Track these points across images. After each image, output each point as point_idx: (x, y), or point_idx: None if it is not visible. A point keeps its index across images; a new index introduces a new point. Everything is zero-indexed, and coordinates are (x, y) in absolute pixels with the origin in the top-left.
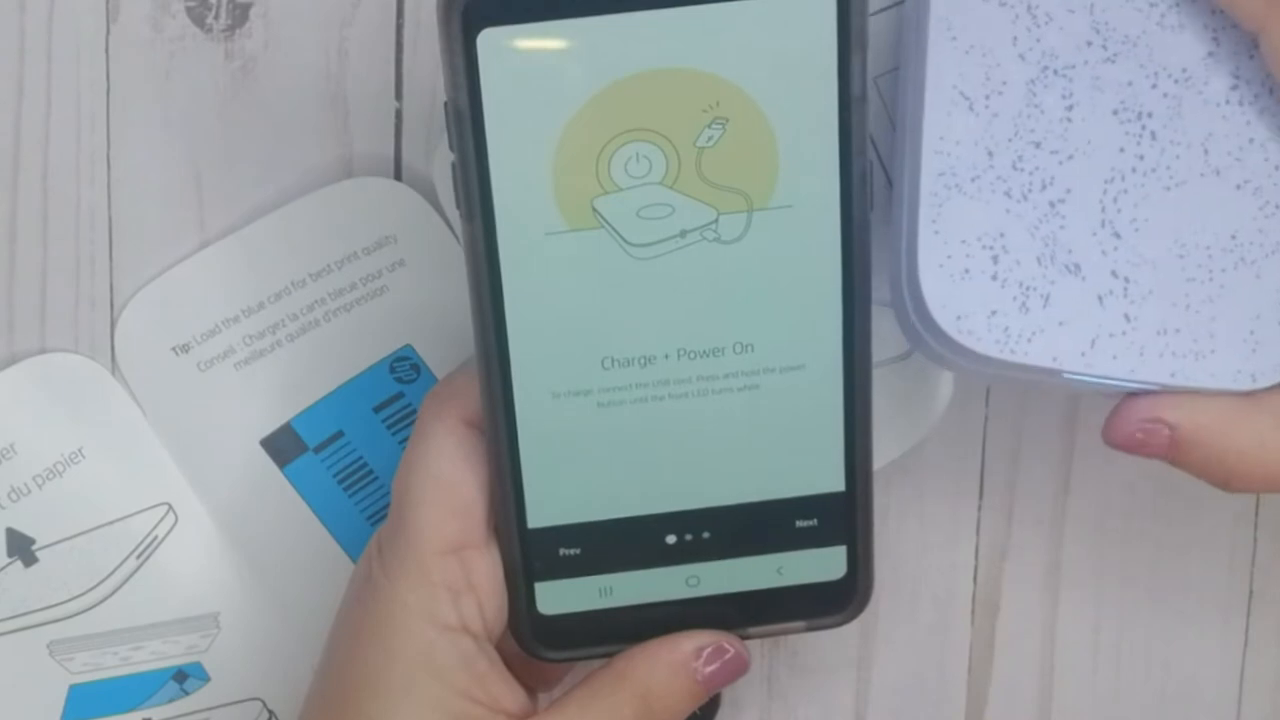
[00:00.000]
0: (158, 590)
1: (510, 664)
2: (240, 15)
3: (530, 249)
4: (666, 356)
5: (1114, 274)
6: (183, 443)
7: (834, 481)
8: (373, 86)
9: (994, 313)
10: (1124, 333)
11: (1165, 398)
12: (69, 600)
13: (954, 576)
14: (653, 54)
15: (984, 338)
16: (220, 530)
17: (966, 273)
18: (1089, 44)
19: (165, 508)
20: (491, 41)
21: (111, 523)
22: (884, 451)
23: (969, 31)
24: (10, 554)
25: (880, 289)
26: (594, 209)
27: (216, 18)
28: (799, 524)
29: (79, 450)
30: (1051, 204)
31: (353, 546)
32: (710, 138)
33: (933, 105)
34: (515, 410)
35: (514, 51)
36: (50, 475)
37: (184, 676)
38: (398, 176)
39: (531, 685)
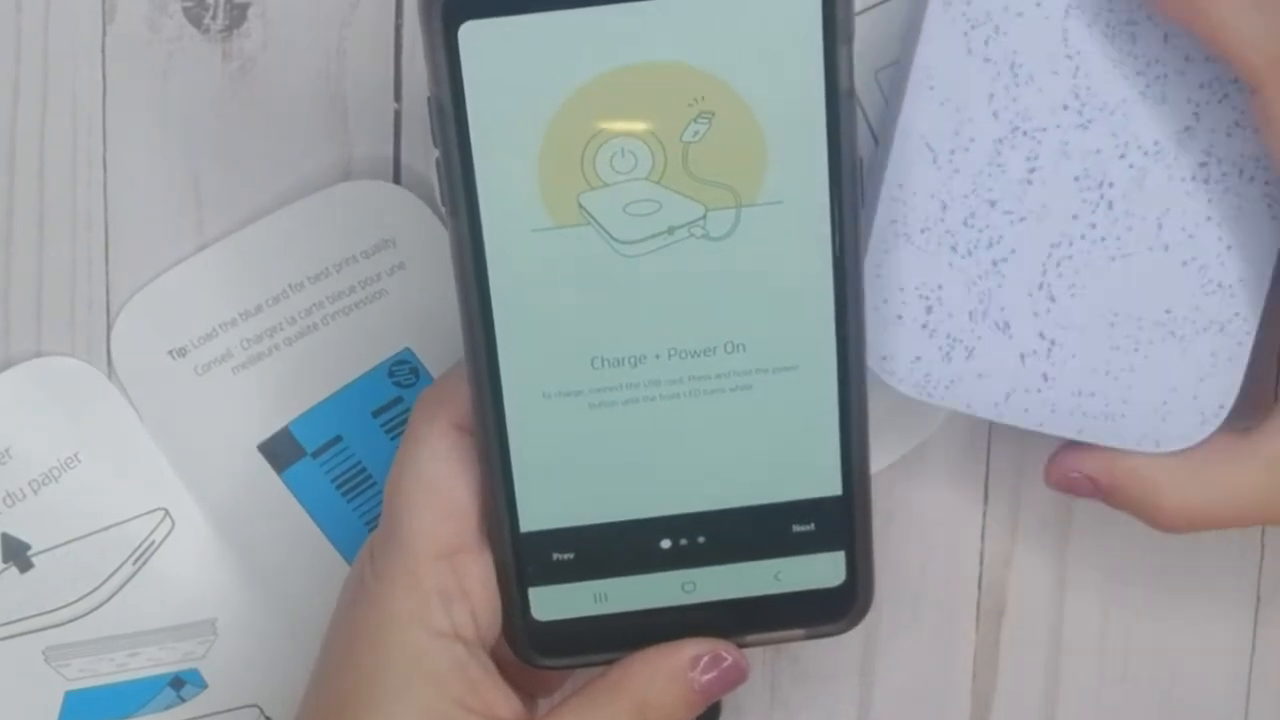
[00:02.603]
0: (154, 596)
1: (508, 670)
2: (238, 15)
3: (516, 246)
4: (657, 356)
5: (1041, 335)
6: (179, 447)
7: (830, 485)
8: (372, 87)
9: (918, 359)
10: (1039, 390)
11: (1087, 451)
12: (65, 606)
13: (958, 582)
14: (636, 47)
15: (905, 379)
16: (217, 536)
17: (899, 318)
18: (1065, 108)
19: (162, 513)
20: (473, 35)
21: (108, 528)
22: (888, 450)
23: (947, 83)
24: (6, 559)
25: None
26: (580, 205)
27: (214, 18)
28: (795, 529)
29: (75, 455)
30: (994, 262)
31: (351, 552)
32: (696, 132)
33: (898, 152)
34: (505, 412)
35: (496, 45)
36: (46, 480)
37: (181, 683)
38: (397, 178)
39: (530, 692)
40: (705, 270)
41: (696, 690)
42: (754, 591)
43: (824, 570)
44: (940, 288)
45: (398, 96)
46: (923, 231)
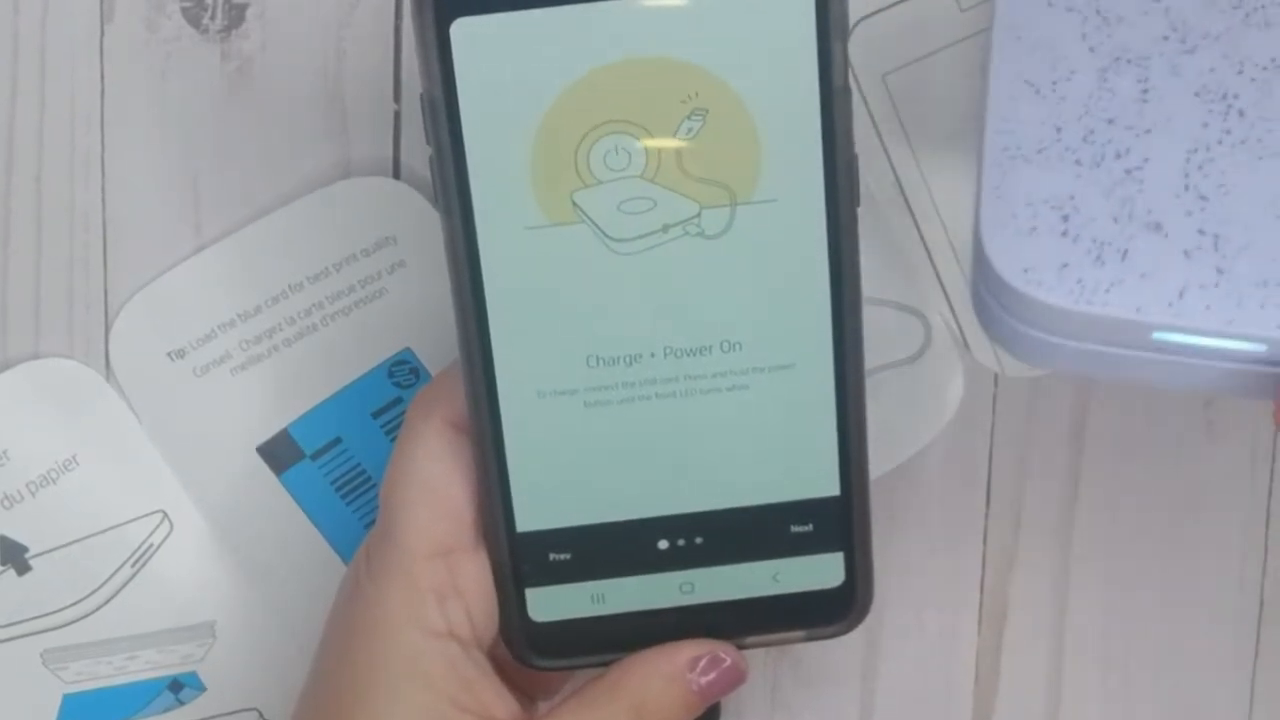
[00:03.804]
0: (153, 599)
1: (507, 671)
2: (237, 16)
3: (510, 244)
4: (653, 355)
5: (1201, 232)
6: (178, 449)
7: (828, 485)
8: (371, 88)
9: (1066, 265)
10: (1216, 284)
11: None
12: (63, 609)
13: (960, 585)
14: (629, 44)
15: (1055, 289)
16: (216, 538)
17: (1034, 230)
18: (1165, 39)
19: (160, 515)
20: (465, 31)
21: (106, 530)
22: (892, 455)
23: (1034, 32)
24: (3, 562)
25: (872, 284)
26: (574, 203)
27: (213, 18)
28: (794, 529)
29: (73, 457)
30: (1127, 170)
31: (350, 555)
32: (690, 129)
33: (997, 92)
34: (500, 410)
35: (488, 41)
36: (44, 482)
37: (179, 686)
38: (396, 179)
39: (530, 693)
40: (700, 268)
41: (695, 692)
42: (752, 593)
43: (823, 571)
44: (1073, 197)
45: (397, 97)
46: (1040, 152)
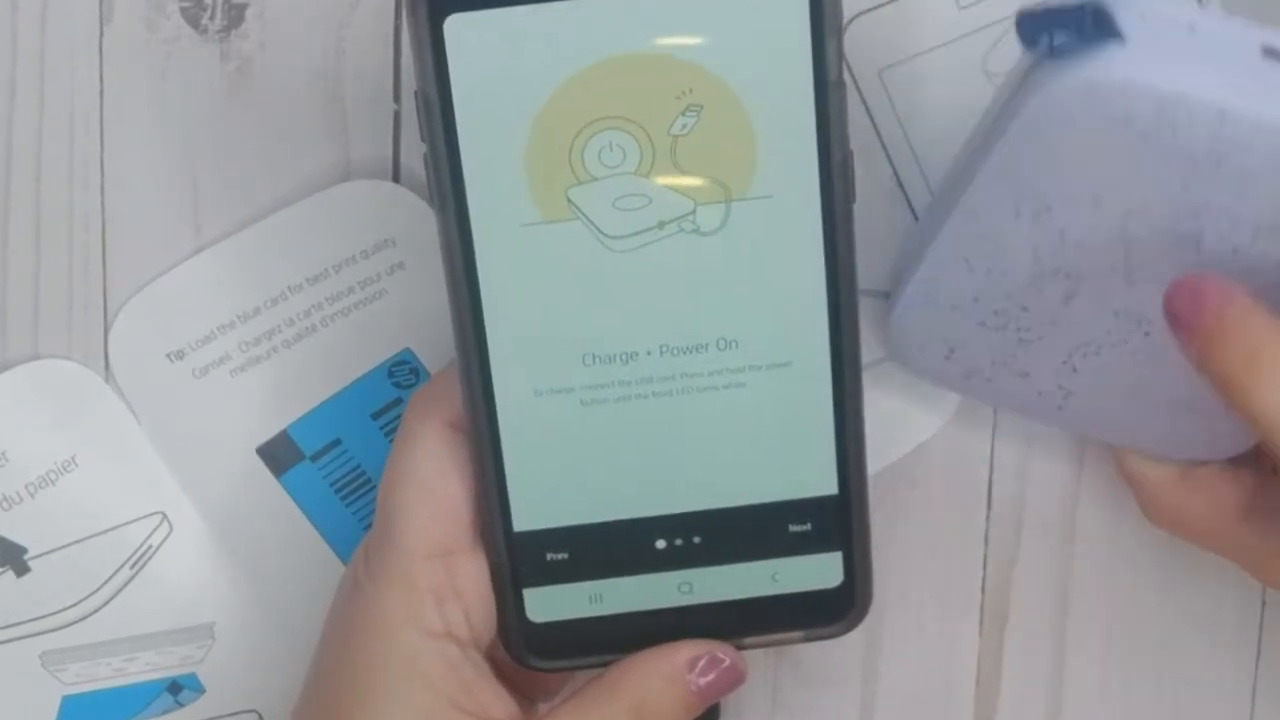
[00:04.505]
0: (152, 600)
1: (506, 672)
2: (236, 16)
3: (505, 241)
4: (649, 353)
5: (1060, 387)
6: (177, 450)
7: (826, 484)
8: (371, 88)
9: (938, 381)
10: (1052, 415)
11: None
12: (62, 610)
13: (961, 586)
14: (623, 39)
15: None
16: (216, 539)
17: (922, 349)
18: (1113, 270)
19: (160, 517)
20: (458, 27)
21: (105, 532)
22: (890, 450)
23: (991, 226)
24: (2, 563)
25: (870, 281)
26: (569, 199)
27: (212, 18)
28: (792, 529)
29: (72, 458)
30: (1021, 340)
31: (349, 555)
32: (685, 125)
33: (935, 257)
34: (496, 409)
35: (482, 38)
36: (43, 483)
37: (179, 688)
38: (396, 179)
39: (529, 694)
40: (696, 266)
41: (694, 692)
42: (751, 593)
43: (821, 571)
44: (965, 344)
45: (397, 97)
46: (953, 309)
